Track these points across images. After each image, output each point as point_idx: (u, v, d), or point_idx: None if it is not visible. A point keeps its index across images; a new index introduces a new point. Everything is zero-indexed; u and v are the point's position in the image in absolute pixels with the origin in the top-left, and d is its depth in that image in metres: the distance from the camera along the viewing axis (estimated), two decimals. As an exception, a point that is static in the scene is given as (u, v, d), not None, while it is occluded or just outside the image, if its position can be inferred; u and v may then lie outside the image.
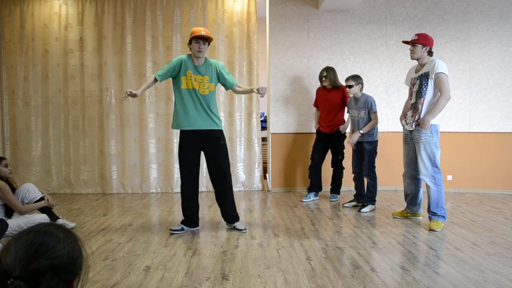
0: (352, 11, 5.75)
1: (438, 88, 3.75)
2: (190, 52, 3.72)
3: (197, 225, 3.83)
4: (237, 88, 3.88)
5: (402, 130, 4.16)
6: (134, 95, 3.50)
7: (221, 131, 3.79)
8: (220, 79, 3.79)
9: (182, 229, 3.73)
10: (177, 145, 5.75)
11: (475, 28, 5.69)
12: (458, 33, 5.71)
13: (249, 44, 5.83)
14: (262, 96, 3.75)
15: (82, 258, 1.00)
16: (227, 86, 3.84)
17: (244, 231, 3.75)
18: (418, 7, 5.73)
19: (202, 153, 3.81)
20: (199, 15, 5.80)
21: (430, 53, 3.88)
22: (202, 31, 3.60)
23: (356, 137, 4.50)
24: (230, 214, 3.84)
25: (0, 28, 5.90)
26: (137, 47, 5.80)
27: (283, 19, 5.75)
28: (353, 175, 4.76)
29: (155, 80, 3.68)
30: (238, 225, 3.82)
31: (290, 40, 5.75)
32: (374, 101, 4.55)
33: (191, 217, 3.79)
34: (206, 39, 3.62)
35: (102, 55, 5.81)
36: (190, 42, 3.65)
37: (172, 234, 3.66)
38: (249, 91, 3.95)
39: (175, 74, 3.69)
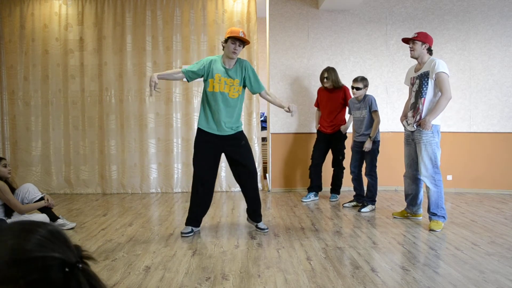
0: (352, 11, 5.75)
1: (438, 87, 3.72)
2: (219, 53, 3.65)
3: (199, 226, 3.78)
4: (266, 95, 3.75)
5: (402, 130, 4.15)
6: (155, 83, 3.37)
7: (241, 132, 3.71)
8: (246, 82, 3.66)
9: (192, 231, 3.66)
10: (177, 145, 5.86)
11: (475, 28, 5.69)
12: (458, 33, 5.71)
13: (249, 44, 5.81)
14: (292, 115, 3.66)
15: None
16: (253, 91, 3.72)
17: (266, 230, 3.73)
18: (418, 7, 5.73)
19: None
20: (199, 15, 5.80)
21: (429, 51, 3.84)
22: (240, 32, 3.49)
23: (369, 144, 4.48)
24: (257, 213, 3.80)
25: (0, 28, 5.91)
26: (137, 47, 5.80)
27: (283, 19, 5.75)
28: (351, 176, 4.76)
29: (183, 75, 3.57)
30: (261, 224, 3.79)
31: (290, 40, 5.75)
32: (375, 100, 4.55)
33: (196, 217, 3.72)
34: (243, 41, 3.52)
35: (102, 55, 5.81)
36: (226, 41, 3.53)
37: (183, 237, 3.57)
38: (278, 105, 3.76)
39: (205, 76, 3.59)
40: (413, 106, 3.89)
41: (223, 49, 3.60)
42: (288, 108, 3.61)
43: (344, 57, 5.76)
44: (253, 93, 3.75)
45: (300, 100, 5.76)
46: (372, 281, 2.58)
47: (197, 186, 3.66)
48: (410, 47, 3.86)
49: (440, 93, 3.72)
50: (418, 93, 3.84)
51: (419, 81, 3.83)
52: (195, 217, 3.72)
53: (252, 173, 3.71)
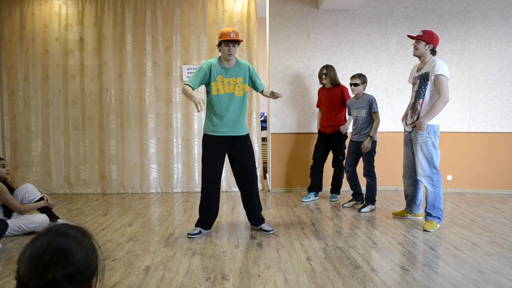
0: (352, 11, 5.75)
1: (436, 89, 3.68)
2: (218, 55, 3.63)
3: (210, 228, 3.77)
4: (264, 91, 3.80)
5: (401, 130, 4.16)
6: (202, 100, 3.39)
7: (247, 135, 3.73)
8: (251, 82, 3.72)
9: (200, 232, 3.64)
10: (178, 145, 5.86)
11: (475, 28, 5.69)
12: (458, 33, 5.71)
13: (249, 44, 5.83)
14: (275, 98, 3.68)
15: (97, 258, 1.02)
16: (257, 89, 3.78)
17: (271, 232, 3.70)
18: (418, 7, 5.73)
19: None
20: (199, 15, 5.80)
21: (433, 52, 3.80)
22: (231, 33, 3.49)
23: (368, 144, 4.47)
24: (257, 217, 3.78)
25: (0, 28, 5.91)
26: (137, 47, 5.80)
27: (283, 19, 5.74)
28: (346, 175, 4.75)
29: (191, 87, 3.52)
30: (265, 226, 3.76)
31: (290, 40, 5.75)
32: (375, 100, 4.55)
33: (208, 219, 3.70)
34: (236, 41, 3.52)
35: (102, 55, 5.81)
36: (219, 44, 3.56)
37: (190, 238, 3.55)
38: (270, 95, 3.76)
39: (207, 81, 3.58)
40: (412, 107, 3.90)
41: (219, 51, 3.64)
42: (273, 94, 3.63)
43: (344, 57, 5.76)
44: (258, 91, 3.80)
45: (300, 100, 5.76)
46: (372, 281, 2.58)
47: (207, 189, 3.66)
48: (414, 45, 3.82)
49: (437, 95, 3.69)
50: (417, 94, 3.83)
51: (419, 82, 3.82)
52: (205, 220, 3.70)
53: (253, 175, 3.73)
